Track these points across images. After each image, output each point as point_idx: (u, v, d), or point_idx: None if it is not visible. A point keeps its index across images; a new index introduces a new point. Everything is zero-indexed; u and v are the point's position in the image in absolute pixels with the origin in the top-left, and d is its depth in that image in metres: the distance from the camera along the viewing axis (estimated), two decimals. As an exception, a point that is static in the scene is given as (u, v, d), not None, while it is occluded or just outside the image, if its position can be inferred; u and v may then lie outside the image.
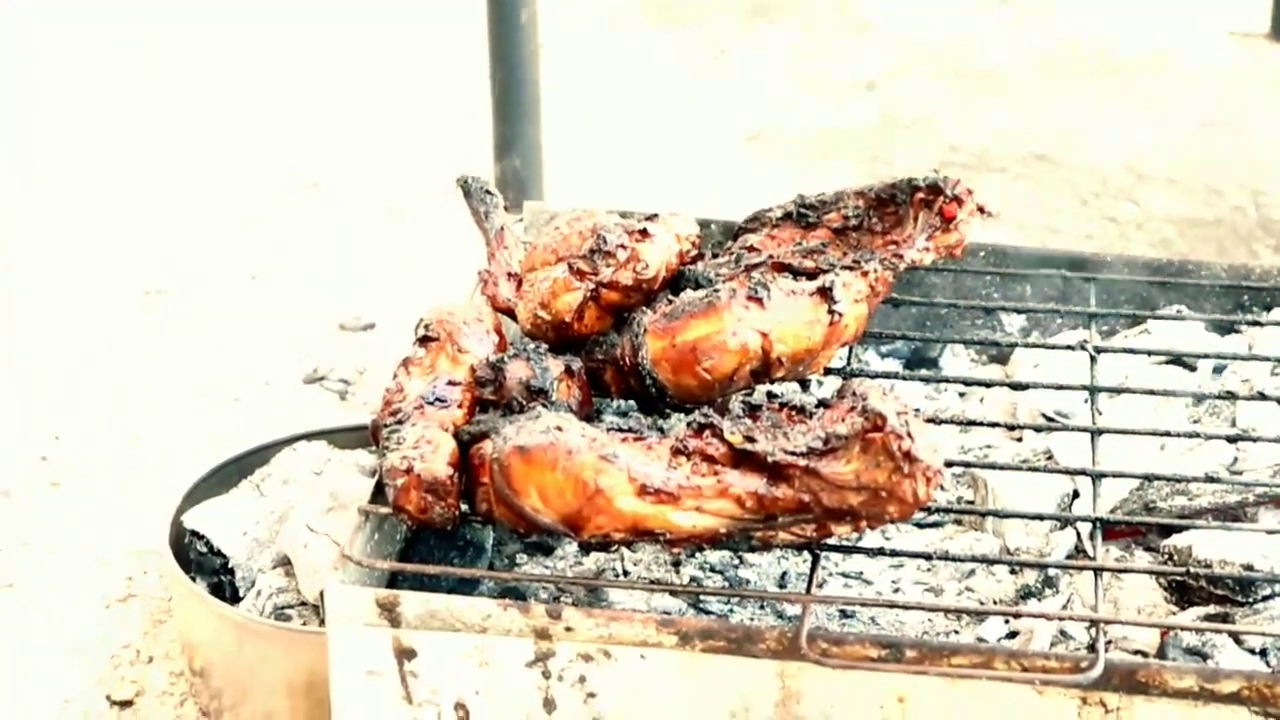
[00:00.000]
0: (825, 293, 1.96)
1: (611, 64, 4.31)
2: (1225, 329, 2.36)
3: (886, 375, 2.26)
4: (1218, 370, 2.27)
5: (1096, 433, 1.98)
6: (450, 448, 1.78)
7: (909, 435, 1.60)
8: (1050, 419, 2.21)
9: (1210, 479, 1.94)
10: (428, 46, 4.47)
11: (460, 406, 1.86)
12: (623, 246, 2.02)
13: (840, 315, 1.97)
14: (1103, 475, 1.91)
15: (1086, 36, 4.47)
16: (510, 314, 2.09)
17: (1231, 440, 2.06)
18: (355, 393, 3.11)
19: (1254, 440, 2.02)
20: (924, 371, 2.35)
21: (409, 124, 4.09)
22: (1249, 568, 1.85)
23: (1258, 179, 3.60)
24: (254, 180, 3.83)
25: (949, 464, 1.85)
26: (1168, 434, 2.02)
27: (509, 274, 2.15)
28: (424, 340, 1.96)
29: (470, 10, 3.67)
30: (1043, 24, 4.57)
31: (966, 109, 4.00)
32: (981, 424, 2.15)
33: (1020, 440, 2.22)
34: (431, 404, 1.85)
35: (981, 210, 2.13)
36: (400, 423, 1.83)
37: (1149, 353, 2.22)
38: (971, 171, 3.66)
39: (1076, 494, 2.08)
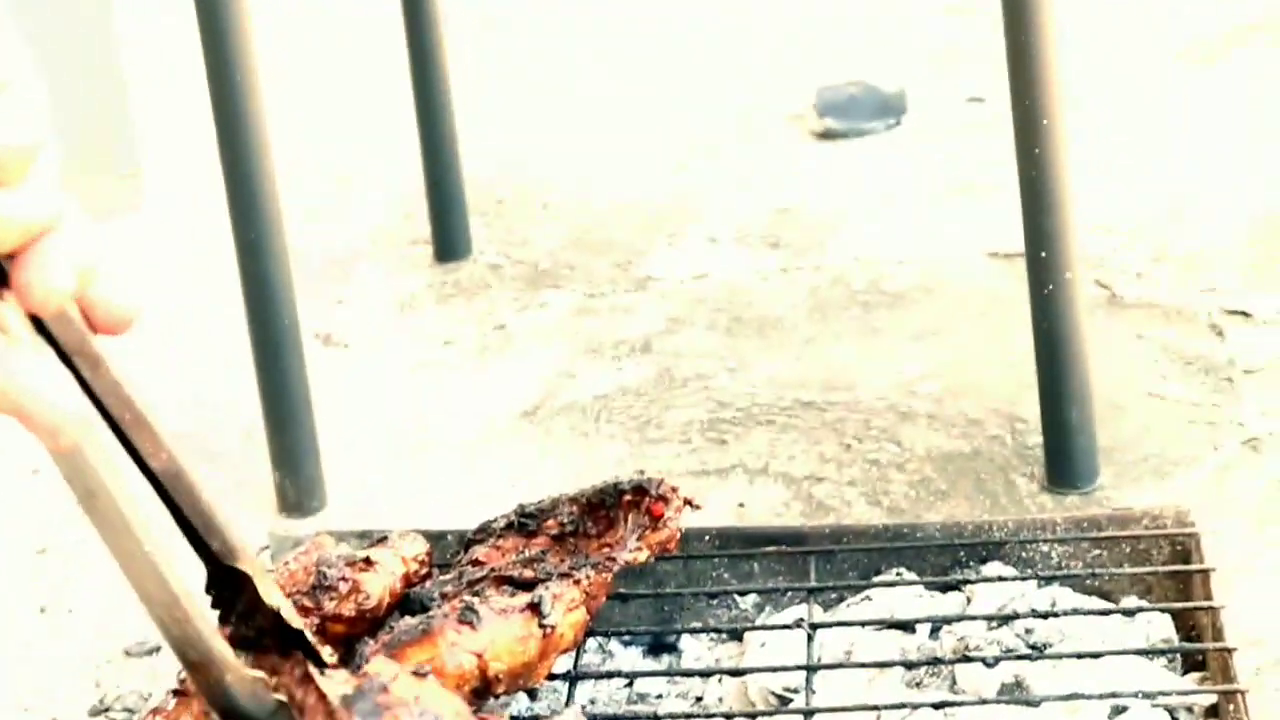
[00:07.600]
0: (535, 608, 2.04)
1: (397, 350, 4.39)
2: (946, 588, 2.46)
3: (612, 675, 2.33)
4: (934, 631, 2.36)
5: (809, 714, 2.06)
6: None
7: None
8: (780, 697, 2.29)
9: (916, 753, 2.02)
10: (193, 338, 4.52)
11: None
12: (344, 579, 2.11)
13: (553, 628, 2.05)
14: (811, 761, 1.98)
15: (856, 271, 4.62)
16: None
17: (937, 707, 2.14)
18: (139, 723, 3.12)
19: (959, 705, 2.10)
20: (652, 663, 2.42)
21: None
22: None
23: (1015, 406, 3.73)
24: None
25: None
26: (877, 708, 2.11)
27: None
28: (176, 692, 2.00)
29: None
30: (813, 263, 4.72)
31: (738, 360, 4.12)
32: (715, 715, 2.22)
33: (750, 725, 2.29)
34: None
35: (689, 503, 2.24)
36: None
37: (863, 623, 2.31)
38: (740, 426, 3.77)
39: (800, 779, 2.14)
